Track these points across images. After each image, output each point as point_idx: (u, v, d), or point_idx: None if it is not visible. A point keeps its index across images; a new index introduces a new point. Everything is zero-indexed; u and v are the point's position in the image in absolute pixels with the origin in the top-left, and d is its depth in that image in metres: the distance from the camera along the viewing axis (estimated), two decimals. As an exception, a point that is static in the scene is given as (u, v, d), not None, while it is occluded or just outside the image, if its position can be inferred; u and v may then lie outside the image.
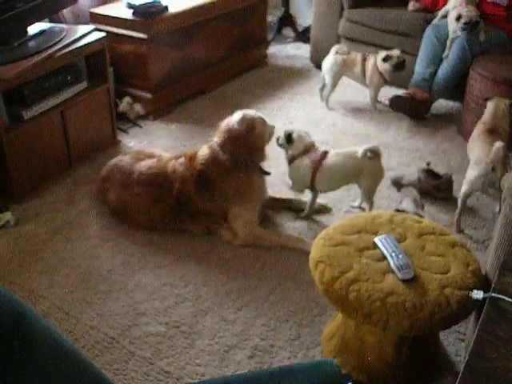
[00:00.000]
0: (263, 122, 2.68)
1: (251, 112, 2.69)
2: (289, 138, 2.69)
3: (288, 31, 5.30)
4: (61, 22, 3.53)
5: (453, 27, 3.64)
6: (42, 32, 3.06)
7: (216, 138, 2.66)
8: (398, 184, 3.01)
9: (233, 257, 2.57)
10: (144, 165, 2.75)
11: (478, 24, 3.54)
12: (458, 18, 3.57)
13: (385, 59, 3.72)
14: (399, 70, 3.76)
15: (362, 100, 4.04)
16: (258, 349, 2.09)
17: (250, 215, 2.65)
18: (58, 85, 3.02)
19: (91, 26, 3.30)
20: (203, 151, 2.68)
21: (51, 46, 2.92)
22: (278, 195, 2.90)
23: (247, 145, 2.61)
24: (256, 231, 2.64)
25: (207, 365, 2.03)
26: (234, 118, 2.64)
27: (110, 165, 2.87)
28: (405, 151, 3.43)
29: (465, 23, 3.54)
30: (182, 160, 2.69)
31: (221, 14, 4.06)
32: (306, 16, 5.29)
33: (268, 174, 2.74)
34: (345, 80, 4.31)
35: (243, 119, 2.62)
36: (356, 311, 1.69)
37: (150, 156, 2.87)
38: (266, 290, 2.38)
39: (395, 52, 3.75)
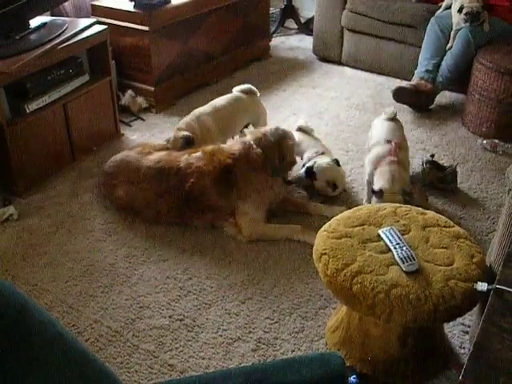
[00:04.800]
0: (293, 137, 2.87)
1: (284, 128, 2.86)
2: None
3: (291, 23, 5.27)
4: (62, 15, 3.53)
5: (456, 19, 3.62)
6: (43, 25, 3.05)
7: (249, 137, 2.74)
8: (401, 176, 3.00)
9: (236, 250, 2.56)
10: (152, 159, 2.74)
11: (479, 15, 3.51)
12: (460, 9, 3.55)
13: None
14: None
15: (366, 92, 4.03)
16: (262, 341, 2.09)
17: (257, 214, 2.64)
18: (60, 78, 3.01)
19: (93, 19, 3.28)
20: (233, 145, 2.73)
21: (53, 39, 2.91)
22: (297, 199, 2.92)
23: (278, 150, 2.71)
24: (260, 230, 2.62)
25: (211, 358, 2.03)
26: (269, 127, 2.82)
27: (117, 160, 2.85)
28: (409, 143, 3.39)
29: (466, 14, 3.52)
30: (198, 155, 2.69)
31: (223, 5, 4.04)
32: (308, 7, 5.27)
33: (290, 184, 2.87)
34: (350, 74, 4.31)
35: (277, 130, 2.76)
36: (360, 303, 1.69)
37: (159, 149, 2.87)
38: (269, 282, 2.37)
39: None
